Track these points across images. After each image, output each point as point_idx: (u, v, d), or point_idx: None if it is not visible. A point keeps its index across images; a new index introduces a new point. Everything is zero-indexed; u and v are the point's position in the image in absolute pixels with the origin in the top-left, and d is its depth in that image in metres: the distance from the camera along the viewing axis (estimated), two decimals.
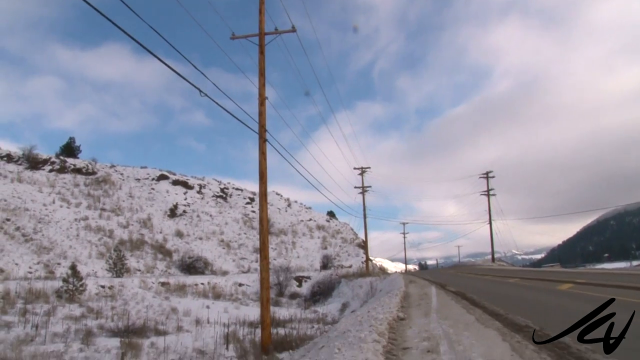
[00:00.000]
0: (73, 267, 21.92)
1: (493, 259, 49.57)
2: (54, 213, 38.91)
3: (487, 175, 49.88)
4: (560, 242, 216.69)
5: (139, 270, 34.14)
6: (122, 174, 55.63)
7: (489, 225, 48.68)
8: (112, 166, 57.86)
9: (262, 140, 13.34)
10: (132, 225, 42.69)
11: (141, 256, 37.10)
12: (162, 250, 39.77)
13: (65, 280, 21.28)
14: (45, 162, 49.22)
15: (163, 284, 27.67)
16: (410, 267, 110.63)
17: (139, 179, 55.86)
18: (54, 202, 40.96)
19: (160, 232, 43.65)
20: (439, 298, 12.91)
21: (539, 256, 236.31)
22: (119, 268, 28.74)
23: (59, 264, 30.48)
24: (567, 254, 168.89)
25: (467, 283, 19.63)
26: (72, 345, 12.99)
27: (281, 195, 72.33)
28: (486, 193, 49.53)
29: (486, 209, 49.28)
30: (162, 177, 58.23)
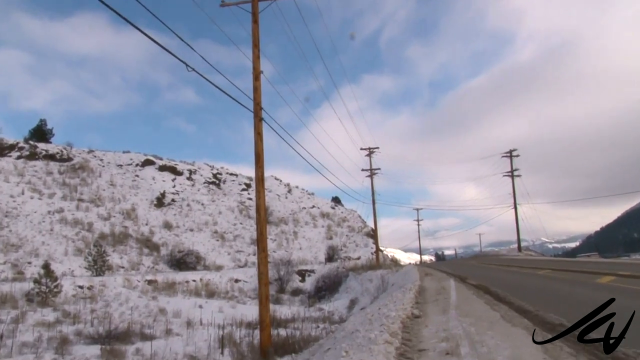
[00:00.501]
0: (46, 266, 21.92)
1: (519, 248, 49.59)
2: (24, 205, 38.99)
3: (510, 154, 49.59)
4: (597, 228, 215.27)
5: (122, 268, 34.31)
6: (101, 160, 55.63)
7: (513, 210, 48.55)
8: (90, 151, 57.82)
9: (258, 119, 13.37)
10: (114, 217, 42.81)
11: (125, 251, 37.24)
12: (148, 244, 39.93)
13: (36, 282, 21.22)
14: (13, 147, 49.19)
15: (150, 282, 27.85)
16: (426, 257, 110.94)
17: (121, 165, 55.86)
18: (23, 193, 41.03)
19: (146, 224, 43.78)
20: (459, 292, 12.89)
21: (572, 244, 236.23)
22: (99, 266, 28.86)
23: (29, 263, 30.55)
24: (606, 242, 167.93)
25: (490, 275, 19.59)
26: (44, 355, 12.92)
27: (280, 180, 72.35)
28: (510, 174, 49.28)
29: (510, 192, 49.10)
30: (147, 163, 58.19)
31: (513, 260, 33.44)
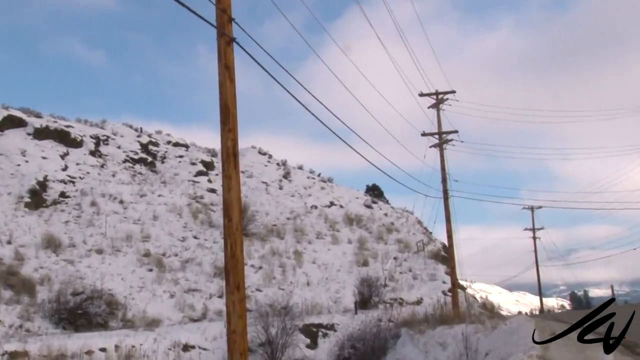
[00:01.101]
0: None
1: None
2: None
3: None
4: None
5: None
6: None
7: None
8: None
9: (225, 41, 13.61)
10: None
11: None
12: (11, 280, 39.72)
13: None
14: None
15: (13, 355, 27.68)
16: (552, 302, 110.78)
17: None
18: None
19: (10, 242, 43.74)
20: None
21: None
22: None
23: None
24: None
25: None
26: None
27: (270, 156, 72.61)
28: None
29: None
30: (9, 123, 58.71)
31: None
